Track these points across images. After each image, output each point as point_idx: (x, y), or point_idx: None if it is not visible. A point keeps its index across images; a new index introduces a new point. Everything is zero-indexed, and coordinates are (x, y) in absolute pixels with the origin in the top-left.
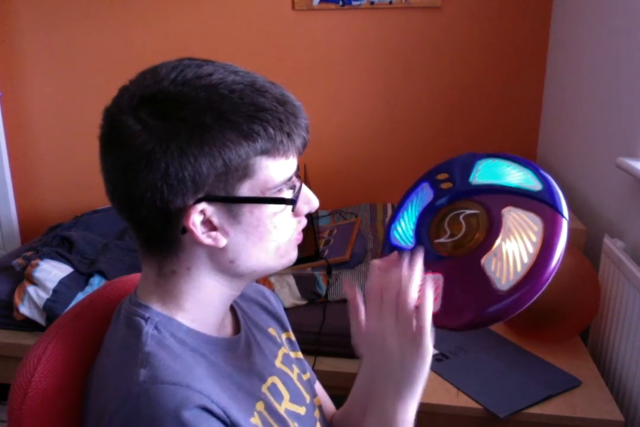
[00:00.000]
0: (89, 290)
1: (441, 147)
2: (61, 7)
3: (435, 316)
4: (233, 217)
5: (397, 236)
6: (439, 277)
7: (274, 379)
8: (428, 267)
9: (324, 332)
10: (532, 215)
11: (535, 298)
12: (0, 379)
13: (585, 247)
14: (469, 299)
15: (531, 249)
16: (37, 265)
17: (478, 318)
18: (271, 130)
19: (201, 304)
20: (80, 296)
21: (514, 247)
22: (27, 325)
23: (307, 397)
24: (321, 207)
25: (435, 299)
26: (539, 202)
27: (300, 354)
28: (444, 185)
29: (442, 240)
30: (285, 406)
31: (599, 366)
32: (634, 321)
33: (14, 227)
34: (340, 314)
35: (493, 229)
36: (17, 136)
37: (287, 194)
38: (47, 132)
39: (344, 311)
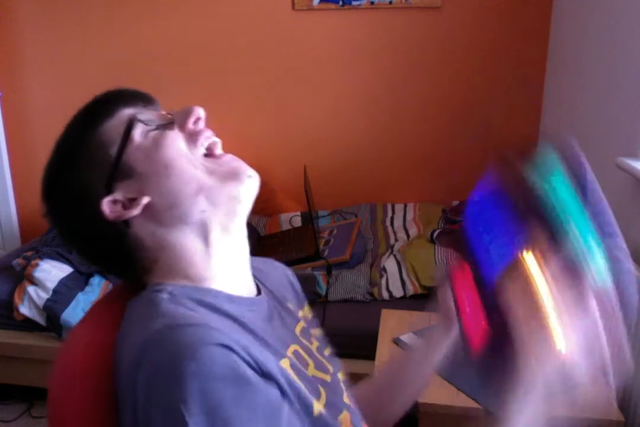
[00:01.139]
0: (88, 290)
1: (441, 146)
2: (61, 7)
3: None
4: (131, 179)
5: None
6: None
7: (296, 347)
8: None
9: (324, 332)
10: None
11: None
12: (0, 379)
13: None
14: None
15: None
16: (37, 265)
17: None
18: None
19: (203, 265)
20: (80, 296)
21: None
22: (27, 325)
23: (331, 368)
24: (321, 207)
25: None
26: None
27: (319, 331)
28: None
29: None
30: (311, 372)
31: None
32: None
33: (14, 227)
34: (340, 314)
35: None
36: (17, 136)
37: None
38: (47, 132)
39: (344, 310)
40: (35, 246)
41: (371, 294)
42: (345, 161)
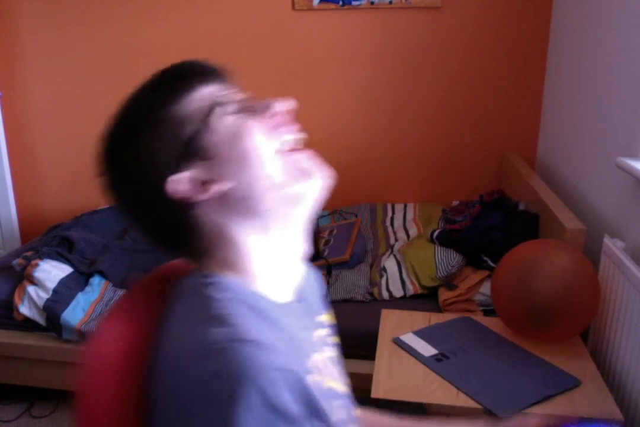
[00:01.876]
0: (88, 290)
1: (441, 146)
2: (61, 7)
3: None
4: (210, 165)
5: None
6: None
7: (318, 356)
8: None
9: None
10: None
11: None
12: (0, 379)
13: (585, 247)
14: None
15: None
16: (37, 265)
17: None
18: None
19: (264, 262)
20: (80, 296)
21: None
22: (27, 325)
23: (342, 380)
24: (321, 207)
25: None
26: None
27: (335, 339)
28: None
29: None
30: (329, 383)
31: (599, 365)
32: (634, 321)
33: (14, 227)
34: (340, 314)
35: None
36: (17, 136)
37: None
38: (47, 132)
39: (344, 310)
40: (35, 246)
41: (371, 294)
42: (345, 161)
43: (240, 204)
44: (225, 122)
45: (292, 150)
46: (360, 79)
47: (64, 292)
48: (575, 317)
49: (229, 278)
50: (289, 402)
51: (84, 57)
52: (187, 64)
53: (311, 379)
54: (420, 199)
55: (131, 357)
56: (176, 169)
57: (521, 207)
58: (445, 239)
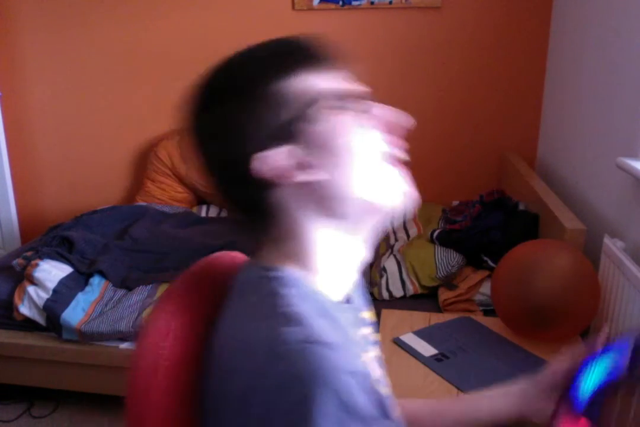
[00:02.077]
0: (88, 290)
1: (441, 146)
2: (61, 7)
3: None
4: (320, 145)
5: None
6: None
7: (367, 356)
8: None
9: None
10: None
11: None
12: (0, 379)
13: (585, 247)
14: None
15: None
16: (37, 265)
17: None
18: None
19: (329, 266)
20: (80, 296)
21: None
22: (27, 325)
23: (385, 381)
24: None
25: None
26: None
27: (378, 336)
28: None
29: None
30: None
31: None
32: (634, 321)
33: (14, 227)
34: None
35: None
36: (17, 136)
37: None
38: (47, 132)
39: None
40: (35, 246)
41: (371, 294)
42: None
43: (322, 200)
44: (333, 114)
45: (392, 163)
46: (359, 78)
47: (64, 292)
48: (575, 317)
49: (292, 272)
50: (364, 404)
51: (84, 57)
52: (304, 42)
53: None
54: (420, 199)
55: (184, 355)
56: (264, 147)
57: (521, 207)
58: (445, 239)
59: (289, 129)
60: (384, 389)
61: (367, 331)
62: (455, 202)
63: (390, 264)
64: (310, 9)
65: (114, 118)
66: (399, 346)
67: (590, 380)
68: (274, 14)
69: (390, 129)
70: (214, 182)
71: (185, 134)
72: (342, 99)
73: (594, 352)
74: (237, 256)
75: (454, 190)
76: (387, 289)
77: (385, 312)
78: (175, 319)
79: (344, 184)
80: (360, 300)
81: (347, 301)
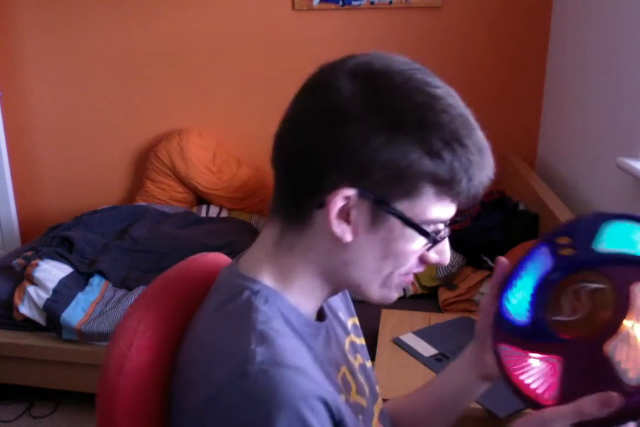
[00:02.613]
0: (88, 290)
1: None
2: (61, 7)
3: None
4: (372, 222)
5: (510, 309)
6: (556, 361)
7: (344, 370)
8: (544, 349)
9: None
10: None
11: None
12: (0, 379)
13: None
14: (589, 393)
15: None
16: (37, 265)
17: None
18: (456, 164)
19: (305, 289)
20: (80, 296)
21: None
22: (27, 325)
23: (367, 389)
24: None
25: (551, 388)
26: None
27: (363, 340)
28: (565, 252)
29: (561, 318)
30: (353, 397)
31: None
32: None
33: (14, 227)
34: None
35: (620, 308)
36: (17, 136)
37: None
38: (47, 132)
39: None
40: (35, 246)
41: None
42: None
43: (339, 259)
44: (407, 232)
45: (406, 279)
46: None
47: (64, 292)
48: None
49: (273, 288)
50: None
51: (84, 57)
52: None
53: (342, 399)
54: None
55: (151, 357)
56: (357, 181)
57: (521, 207)
58: None
59: (373, 191)
60: (363, 402)
61: (352, 338)
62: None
63: None
64: (310, 9)
65: (114, 118)
66: (399, 346)
67: (518, 292)
68: (274, 14)
69: (438, 258)
70: (283, 171)
71: (296, 119)
72: (436, 222)
73: (510, 273)
74: (219, 258)
75: None
76: None
77: (385, 312)
78: (144, 322)
79: (362, 264)
80: (343, 308)
81: (321, 313)
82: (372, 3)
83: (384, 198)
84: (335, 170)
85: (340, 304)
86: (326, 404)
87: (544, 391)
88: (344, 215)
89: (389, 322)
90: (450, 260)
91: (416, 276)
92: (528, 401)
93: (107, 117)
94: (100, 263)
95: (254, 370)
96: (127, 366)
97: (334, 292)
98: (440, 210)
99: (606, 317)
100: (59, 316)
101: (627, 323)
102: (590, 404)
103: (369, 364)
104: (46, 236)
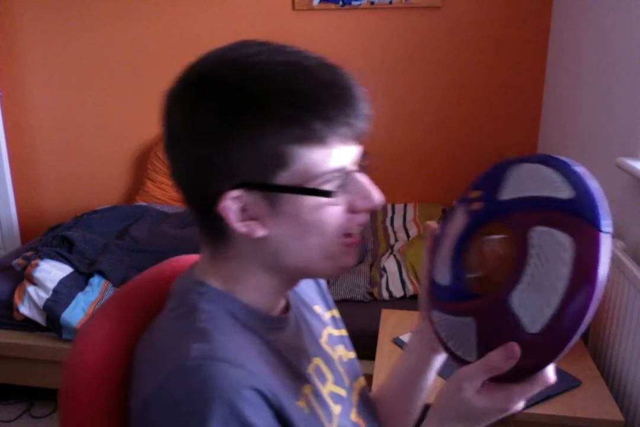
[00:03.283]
0: (88, 290)
1: (441, 147)
2: (61, 7)
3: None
4: (272, 208)
5: (437, 273)
6: (471, 321)
7: (318, 361)
8: (460, 309)
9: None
10: (558, 232)
11: (575, 338)
12: (0, 379)
13: None
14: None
15: (563, 279)
16: (37, 265)
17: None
18: (304, 115)
19: (256, 287)
20: (80, 296)
21: (543, 278)
22: (27, 325)
23: (347, 381)
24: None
25: (471, 349)
26: (568, 215)
27: (344, 332)
28: (475, 206)
29: (472, 275)
30: (329, 388)
31: (599, 366)
32: (634, 321)
33: (14, 227)
34: (340, 314)
35: (519, 257)
36: (17, 136)
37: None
38: (47, 132)
39: (344, 310)
40: (35, 246)
41: (371, 294)
42: None
43: (267, 253)
44: (325, 183)
45: (348, 242)
46: (359, 78)
47: (64, 292)
48: None
49: (220, 289)
50: (263, 421)
51: (84, 57)
52: (330, 90)
53: (307, 390)
54: (420, 199)
55: (116, 359)
56: (232, 181)
57: None
58: None
59: (266, 181)
60: (342, 392)
61: (330, 330)
62: (455, 202)
63: (390, 264)
64: (310, 9)
65: (114, 118)
66: (399, 346)
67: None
68: (274, 14)
69: (366, 202)
70: (184, 194)
71: (166, 132)
72: (332, 175)
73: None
74: (191, 261)
75: (454, 190)
76: (387, 289)
77: (385, 312)
78: (109, 321)
79: (289, 248)
80: (321, 302)
81: (295, 304)
82: (372, 3)
83: (264, 181)
84: (207, 183)
85: (316, 298)
86: (261, 394)
87: (468, 354)
88: (247, 214)
89: (389, 322)
90: None
91: (416, 275)
92: (461, 366)
93: (107, 117)
94: (100, 263)
95: (190, 365)
96: (82, 364)
97: (290, 283)
98: (322, 160)
99: (509, 268)
100: (59, 316)
101: (524, 271)
102: (496, 358)
103: (351, 355)
104: (46, 236)
